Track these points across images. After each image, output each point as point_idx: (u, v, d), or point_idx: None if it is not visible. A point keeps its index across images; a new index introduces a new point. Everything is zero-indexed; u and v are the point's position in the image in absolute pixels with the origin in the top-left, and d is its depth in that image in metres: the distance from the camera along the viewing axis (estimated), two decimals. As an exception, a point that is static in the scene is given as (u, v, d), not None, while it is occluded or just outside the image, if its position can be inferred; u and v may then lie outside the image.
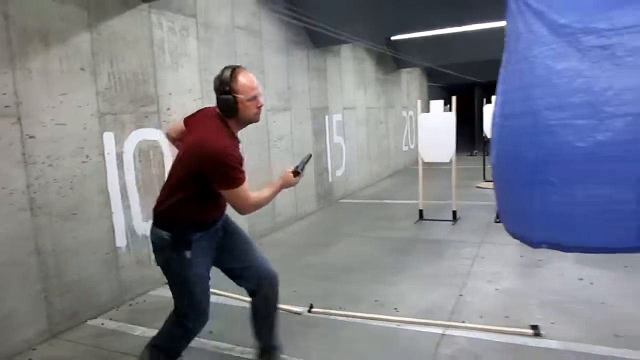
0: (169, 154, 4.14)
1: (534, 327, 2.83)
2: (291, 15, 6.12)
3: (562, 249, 2.98)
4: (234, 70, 2.13)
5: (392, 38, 8.52)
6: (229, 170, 2.04)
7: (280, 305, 3.39)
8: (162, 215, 2.20)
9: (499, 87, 2.89)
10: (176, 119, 4.20)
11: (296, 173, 2.31)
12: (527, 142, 2.78)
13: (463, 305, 3.33)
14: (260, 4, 5.59)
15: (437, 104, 5.68)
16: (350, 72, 8.22)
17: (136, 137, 3.84)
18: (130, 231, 3.76)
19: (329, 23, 6.46)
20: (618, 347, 2.63)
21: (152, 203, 3.84)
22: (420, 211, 5.94)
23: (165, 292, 3.79)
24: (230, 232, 2.41)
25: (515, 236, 2.95)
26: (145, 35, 3.96)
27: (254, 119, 2.22)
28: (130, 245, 3.76)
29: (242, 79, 2.12)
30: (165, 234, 2.16)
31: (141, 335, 3.07)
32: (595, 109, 2.60)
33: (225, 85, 2.10)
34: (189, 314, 2.28)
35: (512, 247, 4.23)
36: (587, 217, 2.68)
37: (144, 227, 3.88)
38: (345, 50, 7.98)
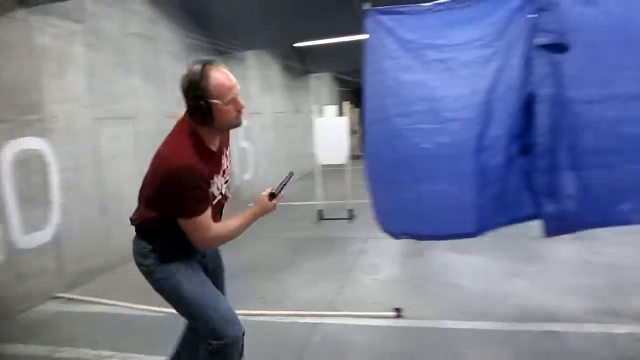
0: (54, 163, 4.06)
1: (397, 310, 3.16)
2: (190, 23, 6.18)
3: (418, 238, 3.39)
4: (205, 67, 1.67)
5: (296, 45, 8.81)
6: (184, 197, 1.67)
7: (163, 309, 3.50)
8: (140, 227, 1.89)
9: (364, 96, 3.22)
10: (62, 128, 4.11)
11: (272, 195, 1.91)
12: (384, 146, 3.12)
13: (341, 296, 3.62)
14: (158, 11, 5.59)
15: (331, 109, 6.01)
16: (255, 79, 8.38)
17: (15, 146, 3.73)
18: (9, 245, 3.64)
19: (231, 31, 6.59)
20: (463, 320, 3.04)
21: (34, 214, 3.86)
22: (320, 211, 6.23)
23: (52, 306, 3.75)
24: (214, 260, 2.18)
25: (382, 229, 3.29)
26: (25, 42, 3.85)
27: (235, 124, 1.79)
28: (9, 259, 3.63)
29: (217, 76, 1.68)
30: (145, 244, 1.86)
31: (17, 354, 3.00)
32: (436, 115, 2.99)
33: (195, 89, 1.66)
34: (207, 337, 1.85)
35: (394, 241, 4.59)
36: (435, 208, 3.08)
37: (26, 240, 3.77)
38: (250, 57, 8.12)
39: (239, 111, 1.77)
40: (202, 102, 1.66)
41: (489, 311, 3.14)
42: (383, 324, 3.08)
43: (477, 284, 3.61)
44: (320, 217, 6.21)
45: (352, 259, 4.49)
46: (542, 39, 2.70)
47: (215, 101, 1.67)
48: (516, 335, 2.77)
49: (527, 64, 2.79)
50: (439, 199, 3.02)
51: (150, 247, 1.85)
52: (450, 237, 3.18)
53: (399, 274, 4.04)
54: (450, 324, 3.00)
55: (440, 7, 2.97)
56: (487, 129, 2.92)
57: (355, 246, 4.90)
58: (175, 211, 1.72)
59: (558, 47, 2.68)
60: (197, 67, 1.67)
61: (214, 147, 1.82)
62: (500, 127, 2.92)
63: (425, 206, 3.05)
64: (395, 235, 3.25)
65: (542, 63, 2.74)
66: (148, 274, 1.88)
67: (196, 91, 1.66)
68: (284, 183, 2.00)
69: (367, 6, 3.10)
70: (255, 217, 1.90)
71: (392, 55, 3.04)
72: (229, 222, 1.84)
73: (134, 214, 1.92)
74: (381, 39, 3.07)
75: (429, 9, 2.99)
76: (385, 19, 3.07)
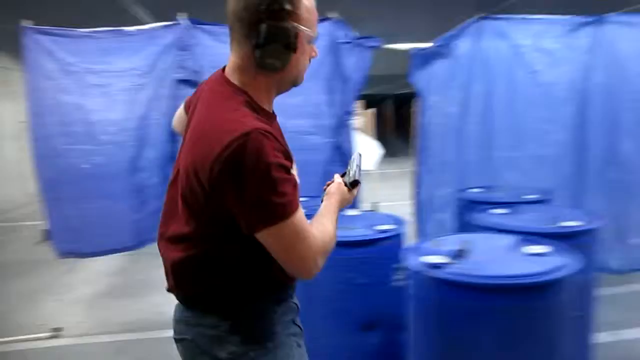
0: None
1: (56, 330, 3.14)
2: None
3: (83, 256, 3.45)
4: None
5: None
6: (265, 183, 0.93)
7: None
8: (195, 286, 1.09)
9: (27, 112, 3.16)
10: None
11: (355, 183, 1.26)
12: (45, 164, 3.12)
13: (8, 321, 3.45)
14: None
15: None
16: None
17: None
18: None
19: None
20: (120, 332, 3.19)
21: None
22: (46, 231, 5.80)
23: None
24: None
25: (53, 249, 3.26)
26: None
27: (299, 80, 1.13)
28: None
29: None
30: (216, 322, 1.06)
31: None
32: (93, 137, 3.12)
33: (281, 2, 0.99)
34: None
35: (106, 260, 4.53)
36: (95, 226, 3.18)
37: None
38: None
39: (309, 61, 1.14)
40: (289, 25, 1.00)
41: (140, 323, 3.33)
42: (38, 346, 3.03)
43: (151, 299, 3.74)
44: (46, 237, 5.78)
45: (50, 281, 4.31)
46: (180, 75, 3.07)
47: (305, 29, 1.04)
48: (151, 342, 3.00)
49: (174, 95, 3.13)
50: (99, 217, 3.14)
51: (226, 327, 1.05)
52: (112, 252, 3.32)
53: (86, 293, 4.00)
54: (107, 337, 3.12)
55: (100, 34, 3.13)
56: (143, 152, 3.17)
57: (65, 267, 4.69)
58: (255, 215, 0.96)
59: (194, 83, 3.08)
60: None
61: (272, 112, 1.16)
62: (156, 150, 3.19)
63: (86, 224, 3.14)
64: (62, 254, 3.26)
65: (184, 96, 3.10)
66: None
67: (283, 4, 0.99)
68: (358, 165, 1.32)
69: (26, 23, 3.08)
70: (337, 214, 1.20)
71: (51, 76, 3.07)
72: (322, 222, 1.10)
73: (173, 262, 1.09)
74: (39, 59, 3.08)
75: (88, 35, 3.12)
76: (44, 39, 3.10)
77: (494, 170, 3.34)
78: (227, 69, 1.08)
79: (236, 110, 0.99)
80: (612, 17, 3.29)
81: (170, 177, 1.13)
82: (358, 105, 4.76)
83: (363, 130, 7.11)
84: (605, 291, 3.31)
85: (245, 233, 0.97)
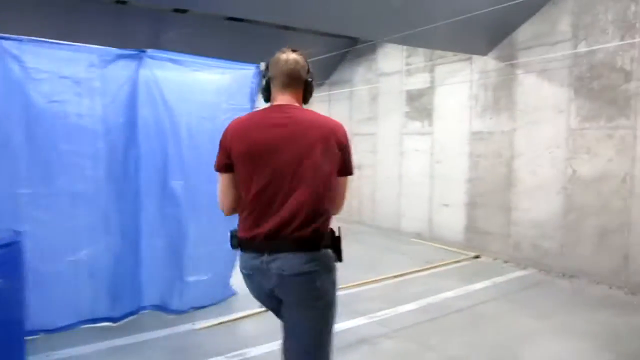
0: None
1: None
2: None
3: None
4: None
5: None
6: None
7: None
8: (320, 233, 1.69)
9: None
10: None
11: None
12: None
13: None
14: None
15: None
16: None
17: None
18: None
19: None
20: None
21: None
22: None
23: None
24: None
25: None
26: None
27: None
28: None
29: None
30: (330, 252, 1.74)
31: None
32: None
33: (308, 69, 1.84)
34: None
35: None
36: None
37: None
38: None
39: None
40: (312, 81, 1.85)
41: None
42: None
43: None
44: None
45: None
46: None
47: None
48: None
49: None
50: None
51: (333, 251, 1.75)
52: None
53: None
54: None
55: None
56: None
57: None
58: (351, 165, 1.78)
59: None
60: (295, 52, 1.81)
61: None
62: None
63: None
64: None
65: None
66: (332, 286, 1.75)
67: (308, 70, 1.82)
68: None
69: None
70: None
71: None
72: None
73: (304, 226, 1.64)
74: None
75: None
76: None
77: (19, 209, 2.90)
78: (285, 101, 1.77)
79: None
80: (155, 52, 3.26)
81: (261, 184, 1.67)
82: None
83: None
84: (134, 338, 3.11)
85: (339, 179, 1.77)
